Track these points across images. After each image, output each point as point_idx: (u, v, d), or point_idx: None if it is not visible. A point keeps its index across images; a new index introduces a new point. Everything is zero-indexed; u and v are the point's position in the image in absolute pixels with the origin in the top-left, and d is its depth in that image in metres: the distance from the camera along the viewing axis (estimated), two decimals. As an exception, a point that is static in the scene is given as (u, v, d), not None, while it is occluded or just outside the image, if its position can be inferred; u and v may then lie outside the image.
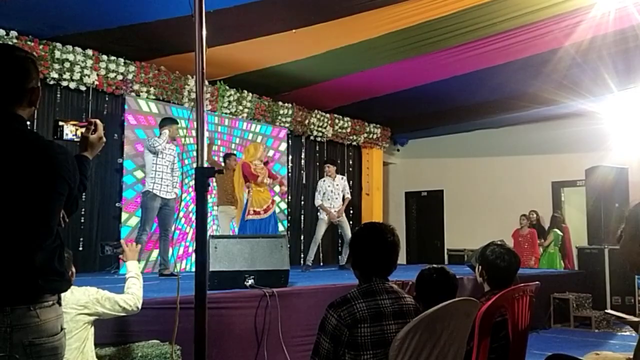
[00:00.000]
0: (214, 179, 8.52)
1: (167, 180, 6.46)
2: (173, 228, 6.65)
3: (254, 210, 7.25)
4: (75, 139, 2.10)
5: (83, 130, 2.11)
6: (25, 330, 1.66)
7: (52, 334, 1.74)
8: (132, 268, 3.18)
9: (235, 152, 8.66)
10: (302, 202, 10.55)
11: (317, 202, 8.34)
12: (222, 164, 8.28)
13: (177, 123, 6.85)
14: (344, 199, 8.43)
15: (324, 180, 8.43)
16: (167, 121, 6.74)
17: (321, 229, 8.30)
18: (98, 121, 2.15)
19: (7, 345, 1.64)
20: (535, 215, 10.36)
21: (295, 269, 6.82)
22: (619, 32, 6.91)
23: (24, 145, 1.74)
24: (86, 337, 2.85)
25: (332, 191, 8.31)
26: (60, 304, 1.81)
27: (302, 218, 10.51)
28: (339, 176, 8.52)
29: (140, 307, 3.07)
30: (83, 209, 7.22)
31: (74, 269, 2.98)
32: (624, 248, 1.97)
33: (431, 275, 2.92)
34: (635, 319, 2.97)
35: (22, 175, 1.70)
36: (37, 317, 1.69)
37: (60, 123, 2.10)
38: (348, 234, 8.35)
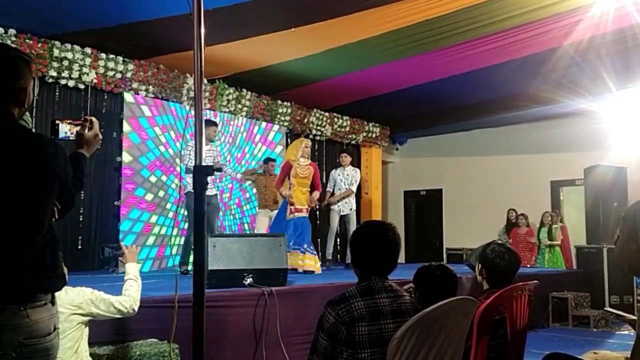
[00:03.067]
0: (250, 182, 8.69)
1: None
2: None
3: (296, 208, 6.98)
4: (71, 137, 2.11)
5: (78, 128, 2.12)
6: (16, 331, 1.64)
7: (44, 335, 1.71)
8: (131, 270, 3.16)
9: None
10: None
11: (353, 188, 8.41)
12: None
13: (216, 125, 6.94)
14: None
15: (336, 170, 8.58)
16: (206, 123, 6.65)
17: (334, 220, 8.34)
18: (93, 118, 2.15)
19: None
20: (514, 214, 10.37)
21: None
22: (618, 31, 6.91)
23: (12, 139, 1.73)
24: (80, 337, 2.83)
25: (342, 180, 8.39)
26: (53, 303, 1.78)
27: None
28: (350, 167, 8.57)
29: (136, 309, 3.04)
30: (82, 208, 7.22)
31: (65, 270, 2.96)
32: (622, 249, 1.95)
33: (433, 272, 2.91)
34: (634, 317, 2.97)
35: (10, 169, 1.68)
36: (27, 317, 1.66)
37: (57, 122, 2.10)
38: (351, 230, 8.38)
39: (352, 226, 8.38)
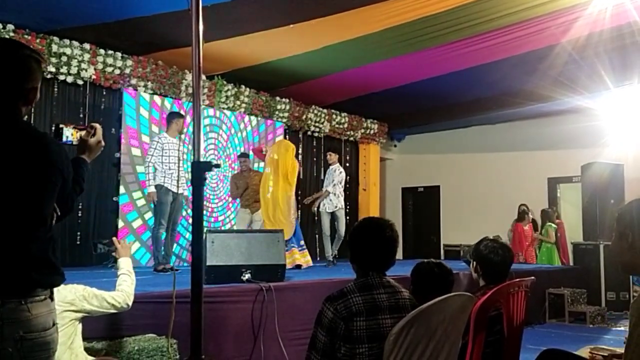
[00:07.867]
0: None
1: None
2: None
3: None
4: (75, 142, 2.13)
5: (82, 133, 2.14)
6: (17, 324, 1.66)
7: (44, 329, 1.73)
8: (124, 265, 3.16)
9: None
10: (299, 197, 10.54)
11: (329, 189, 8.13)
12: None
13: (183, 117, 6.56)
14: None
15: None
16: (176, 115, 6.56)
17: (326, 221, 8.17)
18: (98, 125, 2.18)
19: None
20: (524, 208, 10.33)
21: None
22: (616, 28, 6.92)
23: (18, 135, 1.75)
24: (73, 333, 2.83)
25: (327, 178, 8.36)
26: (52, 299, 1.81)
27: (299, 213, 10.50)
28: (336, 165, 8.27)
29: (130, 304, 3.04)
30: (80, 203, 7.20)
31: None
32: (615, 248, 1.98)
33: (430, 269, 2.93)
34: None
35: (16, 164, 1.71)
36: (28, 311, 1.68)
37: (61, 126, 2.13)
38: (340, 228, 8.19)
39: (342, 224, 8.13)
